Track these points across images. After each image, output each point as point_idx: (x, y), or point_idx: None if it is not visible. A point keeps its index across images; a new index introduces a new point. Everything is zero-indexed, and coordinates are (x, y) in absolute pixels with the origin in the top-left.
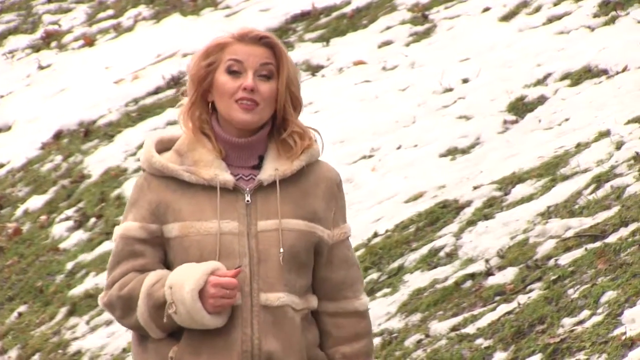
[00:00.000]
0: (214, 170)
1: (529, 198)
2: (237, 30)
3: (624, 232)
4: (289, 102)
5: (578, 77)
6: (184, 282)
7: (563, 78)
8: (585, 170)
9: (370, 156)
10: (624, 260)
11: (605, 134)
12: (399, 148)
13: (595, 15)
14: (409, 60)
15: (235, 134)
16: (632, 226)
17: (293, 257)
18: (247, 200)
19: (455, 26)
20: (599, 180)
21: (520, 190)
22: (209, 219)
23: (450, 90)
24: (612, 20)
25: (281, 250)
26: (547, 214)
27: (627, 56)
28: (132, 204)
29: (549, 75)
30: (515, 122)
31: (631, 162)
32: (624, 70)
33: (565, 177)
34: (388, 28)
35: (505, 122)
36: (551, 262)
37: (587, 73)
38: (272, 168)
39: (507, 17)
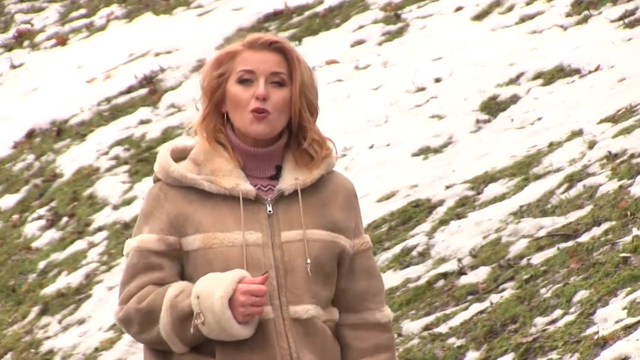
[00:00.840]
0: (235, 180)
1: (501, 197)
2: (247, 37)
3: (596, 231)
4: (305, 109)
5: (551, 76)
6: (213, 290)
7: (536, 77)
8: (558, 170)
9: (342, 155)
10: (596, 260)
11: (578, 133)
12: (371, 147)
13: (568, 15)
14: (382, 60)
15: (252, 143)
16: (605, 225)
17: (319, 267)
18: (269, 211)
19: (427, 25)
20: (571, 180)
21: (492, 190)
22: (232, 230)
23: (423, 89)
24: (585, 20)
25: (308, 261)
26: (519, 214)
27: (600, 55)
28: (147, 215)
29: (521, 74)
30: (488, 121)
31: (604, 161)
32: (596, 69)
33: (538, 177)
34: (360, 27)
35: (477, 121)
36: (524, 262)
37: (560, 72)
38: (292, 177)
39: (479, 17)
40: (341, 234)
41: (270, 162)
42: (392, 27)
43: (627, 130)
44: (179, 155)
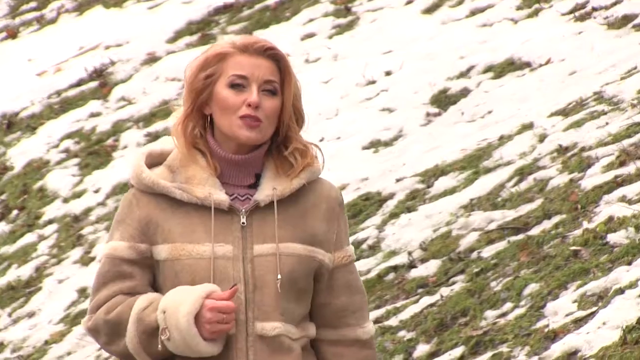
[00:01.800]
0: (208, 189)
1: (452, 190)
2: (239, 39)
3: (547, 224)
4: (294, 120)
5: (501, 69)
6: (178, 305)
7: (486, 71)
8: (509, 163)
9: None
10: (546, 253)
11: (529, 126)
12: (321, 140)
13: (519, 8)
14: (332, 53)
15: (232, 150)
16: (555, 219)
17: (291, 283)
18: (243, 222)
19: (378, 19)
20: (522, 173)
21: (443, 183)
22: (202, 242)
23: (373, 82)
24: (536, 13)
25: (279, 276)
26: (470, 207)
27: (551, 49)
28: (120, 221)
29: (472, 67)
30: (438, 114)
31: (554, 154)
32: (547, 62)
33: (489, 170)
34: (311, 20)
35: (428, 114)
36: (474, 255)
37: (511, 66)
38: (270, 187)
39: (430, 10)
40: (320, 247)
41: (250, 169)
42: (343, 21)
43: (577, 124)
44: (156, 160)
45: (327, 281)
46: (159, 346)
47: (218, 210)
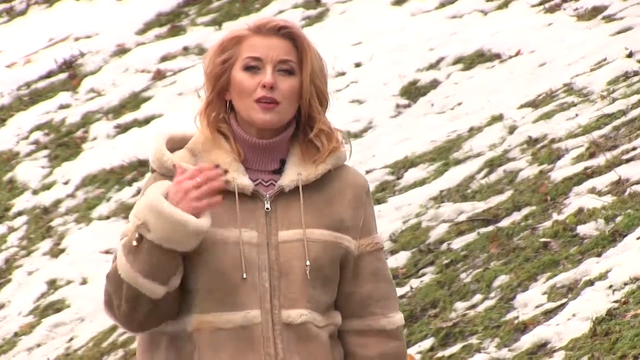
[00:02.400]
0: (232, 174)
1: (421, 182)
2: (254, 21)
3: (516, 216)
4: (315, 98)
5: (471, 61)
6: (142, 202)
7: (456, 62)
8: (478, 155)
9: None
10: (516, 245)
11: (498, 118)
12: None
13: (489, 0)
14: None
15: (255, 134)
16: (525, 210)
17: (318, 270)
18: (267, 208)
19: (347, 10)
20: (491, 165)
21: (412, 175)
22: (226, 227)
23: (343, 74)
24: (505, 5)
25: (307, 263)
26: (439, 198)
27: (520, 40)
28: None
29: (441, 59)
30: (408, 106)
31: (524, 146)
32: (517, 54)
33: (458, 162)
34: (280, 12)
35: (397, 106)
36: (444, 246)
37: (480, 57)
38: (295, 173)
39: (400, 1)
40: (346, 233)
41: (275, 154)
42: (312, 12)
43: (547, 115)
44: (177, 145)
45: (352, 269)
46: (135, 243)
47: (242, 195)
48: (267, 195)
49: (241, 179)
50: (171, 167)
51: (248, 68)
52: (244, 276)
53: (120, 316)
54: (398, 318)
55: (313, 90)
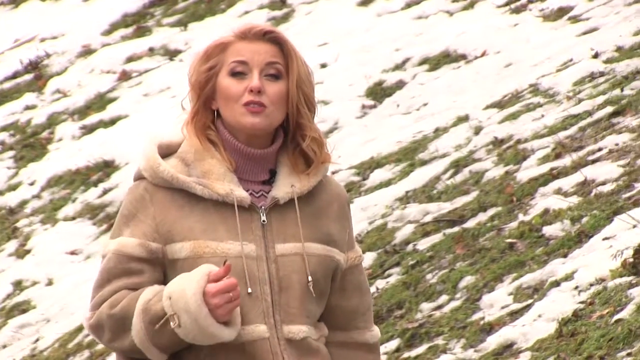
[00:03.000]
0: (229, 185)
1: (387, 183)
2: (238, 27)
3: (482, 217)
4: (303, 104)
5: (437, 62)
6: (184, 288)
7: (422, 63)
8: (444, 155)
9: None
10: (482, 245)
11: (464, 118)
12: None
13: (454, 0)
14: None
15: (245, 141)
16: (491, 211)
17: (315, 285)
18: (263, 220)
19: (313, 11)
20: (457, 165)
21: (378, 175)
22: (224, 240)
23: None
24: (471, 5)
25: (309, 278)
26: (405, 199)
27: (486, 41)
28: (129, 217)
29: (407, 60)
30: (374, 106)
31: (490, 146)
32: (482, 55)
33: (424, 162)
34: (246, 12)
35: (363, 106)
36: (410, 247)
37: (446, 58)
38: (288, 184)
39: (365, 2)
40: (335, 247)
41: (264, 165)
42: (278, 13)
43: (513, 116)
44: (164, 152)
45: (339, 282)
46: (163, 336)
47: (238, 208)
48: (263, 208)
49: (239, 191)
50: (168, 178)
51: (234, 74)
52: (249, 290)
53: (103, 342)
54: (377, 331)
55: (301, 96)
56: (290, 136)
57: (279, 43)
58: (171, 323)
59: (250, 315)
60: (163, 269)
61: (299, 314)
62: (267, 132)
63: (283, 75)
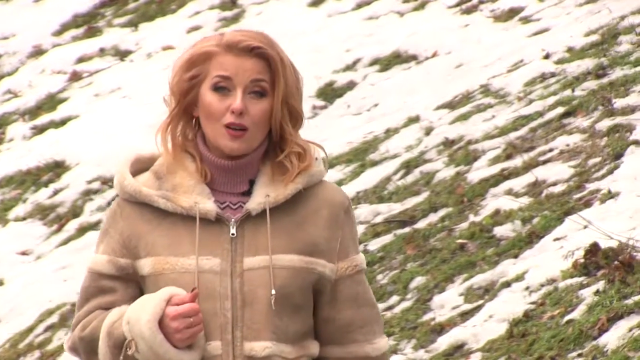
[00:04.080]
0: (194, 198)
1: (338, 183)
2: (226, 36)
3: (433, 217)
4: (287, 121)
5: (387, 62)
6: (140, 313)
7: (372, 63)
8: (395, 156)
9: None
10: (433, 246)
11: (415, 119)
12: None
13: (405, 1)
14: None
15: (223, 154)
16: (442, 212)
17: (285, 299)
18: (232, 234)
19: (264, 11)
20: (408, 166)
21: (329, 176)
22: (187, 255)
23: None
24: (422, 6)
25: (273, 292)
26: (356, 200)
27: (437, 42)
28: (104, 233)
29: (358, 60)
30: (324, 107)
31: (441, 147)
32: (433, 55)
33: (375, 163)
34: (197, 13)
35: (314, 107)
36: (360, 248)
37: (397, 58)
38: (262, 194)
39: (316, 3)
40: (320, 257)
41: (243, 176)
42: (229, 13)
43: (464, 117)
44: (145, 165)
45: (330, 293)
46: (121, 359)
47: (205, 221)
48: (233, 220)
49: (204, 204)
50: (132, 192)
51: (217, 88)
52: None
53: None
54: (383, 343)
55: (286, 111)
56: (273, 146)
57: (266, 58)
58: (129, 349)
59: (205, 331)
60: (138, 285)
61: (264, 330)
62: (247, 152)
63: (268, 92)
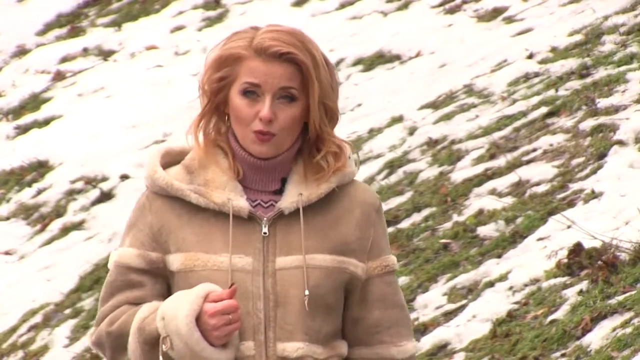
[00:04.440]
0: (227, 194)
1: None
2: (257, 37)
3: (416, 217)
4: (324, 119)
5: (371, 62)
6: (177, 310)
7: (356, 63)
8: (378, 156)
9: (162, 141)
10: (416, 246)
11: (399, 119)
12: None
13: (389, 1)
14: (202, 46)
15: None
16: (425, 212)
17: (318, 299)
18: (264, 232)
19: (247, 11)
20: (391, 166)
21: None
22: (219, 252)
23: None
24: (406, 6)
25: (306, 292)
26: None
27: (421, 41)
28: (131, 226)
29: (341, 60)
30: None
31: (424, 147)
32: (417, 55)
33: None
34: (180, 13)
35: None
36: None
37: (380, 58)
38: (295, 193)
39: (300, 3)
40: (352, 257)
41: (276, 174)
42: (212, 13)
43: (447, 117)
44: (175, 159)
45: (359, 293)
46: (160, 358)
47: (237, 218)
48: (265, 219)
49: (237, 200)
50: (164, 185)
51: (246, 93)
52: None
53: (107, 357)
54: (410, 346)
55: (322, 112)
56: (308, 145)
57: (296, 63)
58: (164, 346)
59: (239, 331)
60: (166, 280)
61: (297, 331)
62: (276, 155)
63: (298, 97)
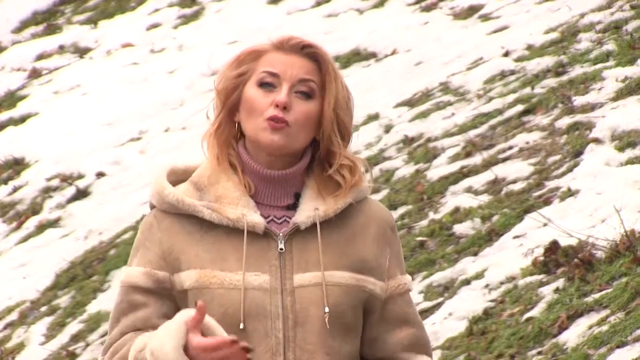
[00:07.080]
0: (241, 209)
1: None
2: (276, 36)
3: (393, 215)
4: (336, 132)
5: (347, 60)
6: (163, 343)
7: None
8: (355, 154)
9: (138, 138)
10: None
11: (375, 117)
12: (167, 130)
13: None
14: (177, 43)
15: (266, 164)
16: (401, 209)
17: (338, 318)
18: (281, 249)
19: (223, 9)
20: (368, 164)
21: None
22: (234, 270)
23: (218, 72)
24: (382, 3)
25: (326, 310)
26: None
27: (397, 39)
28: (138, 246)
29: None
30: None
31: (400, 145)
32: (393, 53)
33: None
34: (156, 10)
35: None
36: None
37: (356, 56)
38: (311, 208)
39: (275, 0)
40: (370, 275)
41: (288, 188)
42: (188, 11)
43: (423, 114)
44: (180, 178)
45: (379, 313)
46: None
47: (252, 235)
48: (281, 234)
49: (252, 216)
50: (174, 202)
51: (263, 84)
52: (241, 326)
53: None
54: None
55: (335, 121)
56: (318, 160)
57: (317, 59)
58: None
59: (256, 353)
60: (173, 302)
61: (318, 351)
62: (287, 152)
63: (316, 95)
